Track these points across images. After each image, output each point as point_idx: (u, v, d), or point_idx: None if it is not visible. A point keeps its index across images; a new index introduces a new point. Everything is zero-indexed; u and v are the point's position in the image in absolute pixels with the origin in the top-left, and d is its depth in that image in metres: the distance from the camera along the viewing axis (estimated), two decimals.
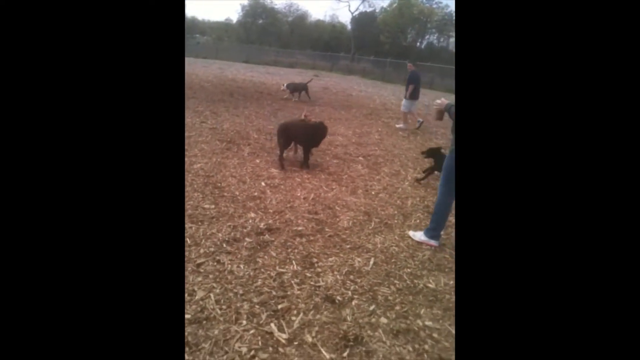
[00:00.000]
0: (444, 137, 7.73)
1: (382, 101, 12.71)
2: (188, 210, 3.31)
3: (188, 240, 2.84)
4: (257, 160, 4.95)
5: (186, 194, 3.64)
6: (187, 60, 20.26)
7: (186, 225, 3.06)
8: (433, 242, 3.15)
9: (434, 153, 4.69)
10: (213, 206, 3.46)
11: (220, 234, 2.99)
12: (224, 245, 2.85)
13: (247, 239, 2.96)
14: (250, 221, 3.26)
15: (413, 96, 8.06)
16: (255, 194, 3.87)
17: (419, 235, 3.26)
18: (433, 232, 3.17)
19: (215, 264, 2.60)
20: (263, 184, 4.16)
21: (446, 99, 3.13)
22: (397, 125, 8.39)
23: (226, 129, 6.35)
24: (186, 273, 2.45)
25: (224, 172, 4.38)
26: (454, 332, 2.13)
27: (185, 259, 2.61)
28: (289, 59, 28.39)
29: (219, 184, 3.98)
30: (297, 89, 10.51)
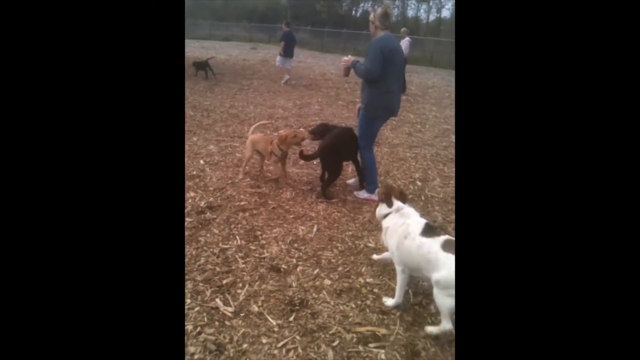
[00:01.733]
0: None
1: (321, 71, 12.65)
2: None
3: None
4: (194, 139, 4.77)
5: None
6: None
7: None
8: (374, 197, 3.33)
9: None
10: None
11: None
12: None
13: (187, 219, 2.89)
14: (190, 201, 3.18)
15: (286, 54, 9.19)
16: (194, 172, 3.75)
17: (362, 194, 3.48)
18: (370, 186, 3.44)
19: None
20: (202, 162, 4.03)
21: (353, 57, 3.32)
22: (282, 82, 9.38)
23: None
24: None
25: None
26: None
27: None
28: (224, 32, 27.13)
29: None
30: (200, 66, 9.44)
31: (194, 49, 16.48)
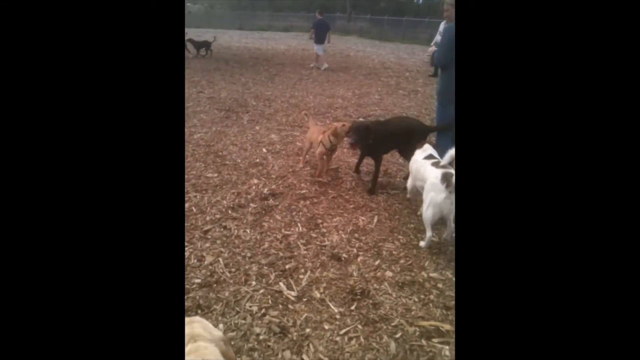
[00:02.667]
0: None
1: (381, 60, 12.41)
2: (191, 180, 3.33)
3: (194, 209, 2.88)
4: (257, 127, 4.91)
5: (188, 163, 3.66)
6: None
7: (191, 194, 3.09)
8: None
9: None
10: (216, 175, 3.48)
11: (224, 201, 3.02)
12: (229, 211, 2.88)
13: (251, 205, 2.99)
14: (253, 187, 3.29)
15: (317, 40, 9.68)
16: (257, 160, 3.87)
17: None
18: None
19: (221, 229, 2.64)
20: (264, 150, 4.15)
21: (435, 47, 3.45)
22: (322, 67, 9.77)
23: (224, 98, 6.27)
24: (194, 240, 2.51)
25: (224, 140, 4.37)
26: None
27: (192, 226, 2.66)
28: (283, 22, 27.53)
29: (220, 153, 3.98)
30: (200, 46, 10.45)
31: (254, 40, 16.93)
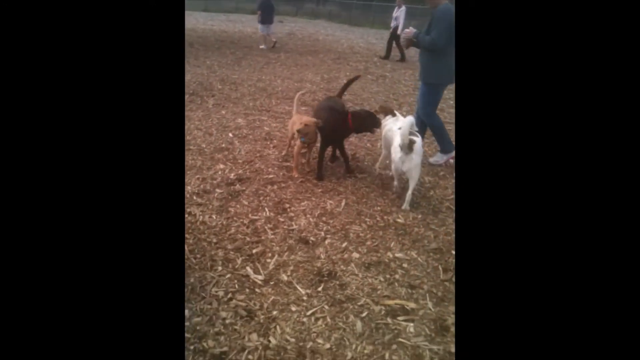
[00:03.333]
0: (411, 77, 7.67)
1: (350, 45, 12.36)
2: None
3: None
4: (223, 112, 4.80)
5: None
6: None
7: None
8: (452, 155, 3.66)
9: None
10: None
11: (189, 187, 2.95)
12: (194, 197, 2.82)
13: (217, 190, 2.94)
14: (219, 172, 3.22)
15: (264, 21, 10.01)
16: (223, 145, 3.79)
17: (439, 157, 3.71)
18: (446, 147, 3.66)
19: (186, 216, 2.58)
20: (230, 135, 4.06)
21: (414, 29, 3.47)
22: (260, 47, 10.18)
23: (188, 81, 6.06)
24: None
25: (188, 125, 4.24)
26: (422, 261, 2.25)
27: None
28: (250, 5, 26.72)
29: (185, 139, 3.86)
30: None
31: (220, 23, 16.41)
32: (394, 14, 9.76)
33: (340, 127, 3.16)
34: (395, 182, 3.03)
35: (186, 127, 4.17)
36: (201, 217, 2.58)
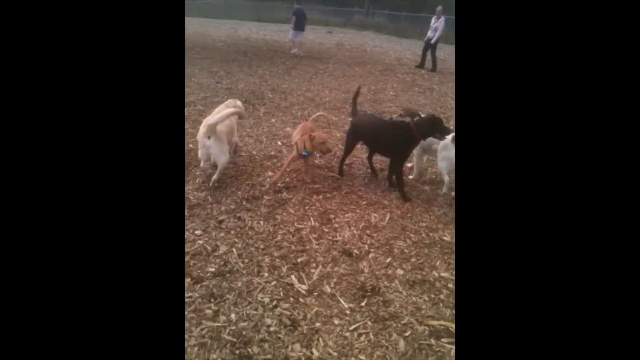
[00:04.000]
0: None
1: (397, 56, 12.30)
2: (208, 170, 3.37)
3: (209, 198, 2.92)
4: (273, 120, 4.94)
5: None
6: (198, 21, 19.81)
7: (206, 184, 3.13)
8: None
9: None
10: (232, 165, 3.52)
11: (239, 192, 3.06)
12: (244, 202, 2.92)
13: (265, 197, 3.02)
14: (268, 180, 3.31)
15: (296, 27, 10.60)
16: (272, 153, 3.90)
17: None
18: None
19: (236, 220, 2.68)
20: (279, 143, 4.17)
21: None
22: (292, 51, 10.80)
23: (241, 89, 6.30)
24: (209, 229, 2.55)
25: (240, 131, 4.40)
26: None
27: (208, 215, 2.70)
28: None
29: (236, 144, 4.01)
30: None
31: (272, 32, 16.92)
32: (432, 24, 9.85)
33: (408, 139, 3.05)
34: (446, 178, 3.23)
35: (238, 133, 4.33)
36: (250, 222, 2.67)
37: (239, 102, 3.61)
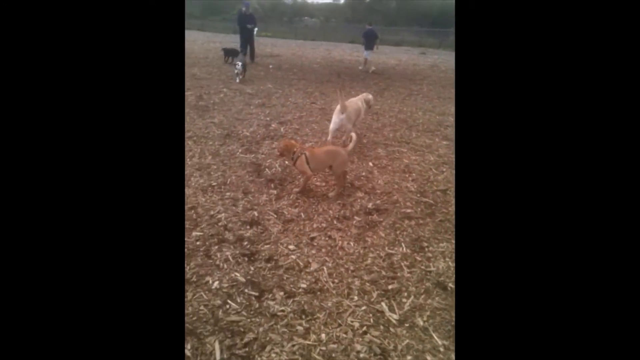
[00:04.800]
0: None
1: None
2: (301, 186, 3.50)
3: (302, 215, 3.01)
4: (364, 141, 4.96)
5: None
6: (295, 42, 21.02)
7: (300, 200, 3.23)
8: None
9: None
10: (324, 184, 3.60)
11: (330, 211, 3.10)
12: (335, 222, 2.95)
13: (356, 218, 3.02)
14: (358, 200, 3.31)
15: (367, 47, 11.61)
16: (363, 174, 3.90)
17: None
18: None
19: (327, 239, 2.71)
20: (370, 164, 4.17)
21: None
22: (360, 68, 11.93)
23: (334, 110, 6.47)
24: (301, 245, 2.61)
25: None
26: None
27: (301, 231, 2.78)
28: (395, 37, 27.50)
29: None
30: (229, 54, 10.84)
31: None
32: None
33: None
34: None
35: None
36: (340, 242, 2.68)
37: (370, 96, 5.01)
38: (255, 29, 10.88)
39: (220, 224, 2.81)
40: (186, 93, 6.67)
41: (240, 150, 4.27)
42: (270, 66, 10.79)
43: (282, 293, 2.14)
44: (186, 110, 5.62)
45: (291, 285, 2.21)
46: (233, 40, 17.03)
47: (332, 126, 4.36)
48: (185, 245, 2.52)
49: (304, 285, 2.21)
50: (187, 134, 4.62)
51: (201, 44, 16.20)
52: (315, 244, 2.65)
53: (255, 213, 2.99)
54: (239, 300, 2.07)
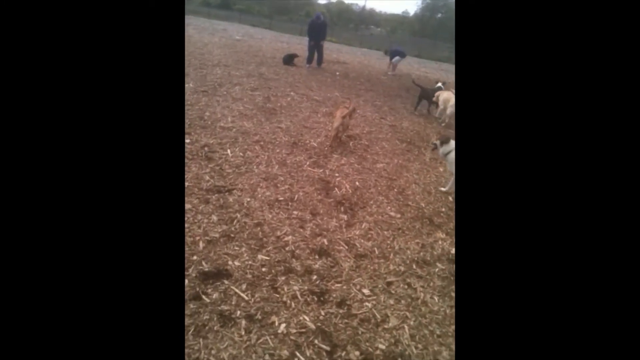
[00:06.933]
0: None
1: None
2: (374, 214, 3.16)
3: (376, 250, 2.67)
4: (441, 169, 4.53)
5: (371, 195, 3.51)
6: (360, 50, 20.76)
7: (372, 232, 2.90)
8: None
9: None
10: (399, 215, 3.24)
11: (408, 251, 2.73)
12: (414, 266, 2.58)
13: (438, 264, 2.63)
14: (439, 242, 2.92)
15: (400, 55, 12.41)
16: (443, 209, 3.49)
17: None
18: None
19: (406, 287, 2.36)
20: (450, 199, 3.74)
21: None
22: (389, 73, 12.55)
23: (405, 128, 6.08)
24: (376, 290, 2.28)
25: (406, 176, 4.12)
26: None
27: (376, 272, 2.44)
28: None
29: (403, 191, 3.73)
30: (288, 60, 10.57)
31: (433, 70, 16.61)
32: None
33: None
34: None
35: (404, 178, 4.06)
36: (422, 294, 2.31)
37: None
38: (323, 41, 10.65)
39: (287, 248, 2.54)
40: (254, 93, 6.56)
41: (307, 163, 4.00)
42: (337, 73, 10.54)
43: (357, 353, 1.81)
44: (254, 111, 5.47)
45: (367, 344, 1.88)
46: (299, 42, 17.06)
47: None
48: (251, 271, 2.26)
49: (382, 347, 1.87)
50: (254, 138, 4.44)
51: (269, 42, 16.33)
52: (392, 291, 2.30)
53: (325, 241, 2.69)
54: (308, 354, 1.77)
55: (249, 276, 2.23)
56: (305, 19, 31.42)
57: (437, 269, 2.58)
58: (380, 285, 2.33)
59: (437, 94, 6.91)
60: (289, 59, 10.54)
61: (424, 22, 38.72)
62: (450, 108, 6.33)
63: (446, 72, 16.68)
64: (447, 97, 6.60)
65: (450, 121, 6.58)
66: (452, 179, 3.84)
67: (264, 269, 2.30)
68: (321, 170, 3.88)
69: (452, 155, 3.58)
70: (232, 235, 2.58)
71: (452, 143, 3.62)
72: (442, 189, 3.90)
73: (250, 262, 2.34)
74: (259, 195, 3.17)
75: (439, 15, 38.46)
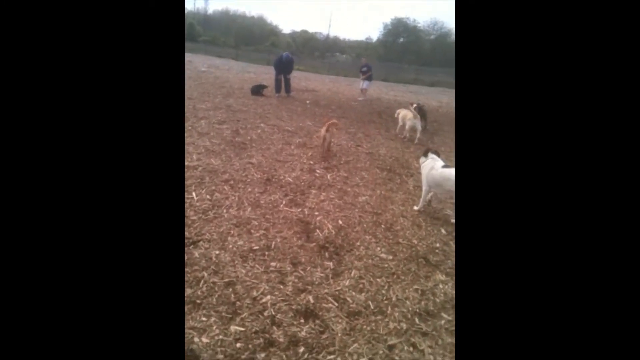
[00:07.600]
0: None
1: None
2: (363, 258, 2.79)
3: (370, 304, 2.29)
4: (434, 205, 4.24)
5: (357, 235, 3.15)
6: (328, 77, 20.91)
7: (364, 280, 2.53)
8: None
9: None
10: (391, 257, 2.88)
11: (408, 302, 2.37)
12: (417, 320, 2.21)
13: (443, 315, 2.27)
14: (440, 286, 2.57)
15: (368, 79, 12.22)
16: (437, 245, 3.16)
17: None
18: None
19: (410, 349, 1.97)
20: (443, 231, 3.43)
21: None
22: (359, 99, 12.38)
23: (383, 155, 5.83)
24: (377, 358, 1.88)
25: (392, 209, 3.80)
26: None
27: (374, 333, 2.05)
28: (430, 77, 27.16)
29: (391, 226, 3.40)
30: (256, 90, 10.30)
31: (401, 93, 16.80)
32: None
33: None
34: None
35: (390, 211, 3.73)
36: (431, 356, 1.93)
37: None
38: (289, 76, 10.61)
39: (266, 312, 2.12)
40: (222, 126, 6.20)
41: (284, 202, 3.62)
42: (307, 102, 10.35)
43: None
44: (222, 146, 5.09)
45: None
46: (266, 72, 16.96)
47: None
48: (222, 349, 1.83)
49: None
50: (224, 177, 4.03)
51: (236, 73, 16.12)
52: (396, 357, 1.91)
53: (310, 298, 2.29)
54: None
55: (221, 356, 1.79)
56: (271, 49, 31.66)
57: (443, 321, 2.22)
58: (381, 352, 1.93)
59: (397, 111, 7.61)
60: (258, 90, 10.29)
61: (388, 47, 39.84)
62: (409, 122, 6.94)
63: (415, 94, 16.92)
64: (405, 114, 7.22)
65: (409, 135, 7.10)
66: (422, 194, 3.77)
67: (239, 345, 1.87)
68: (299, 210, 3.50)
69: (426, 168, 3.64)
70: (199, 301, 2.14)
71: (430, 156, 3.70)
72: (416, 207, 3.83)
73: (221, 337, 1.91)
74: (230, 246, 2.75)
75: (401, 39, 39.72)
